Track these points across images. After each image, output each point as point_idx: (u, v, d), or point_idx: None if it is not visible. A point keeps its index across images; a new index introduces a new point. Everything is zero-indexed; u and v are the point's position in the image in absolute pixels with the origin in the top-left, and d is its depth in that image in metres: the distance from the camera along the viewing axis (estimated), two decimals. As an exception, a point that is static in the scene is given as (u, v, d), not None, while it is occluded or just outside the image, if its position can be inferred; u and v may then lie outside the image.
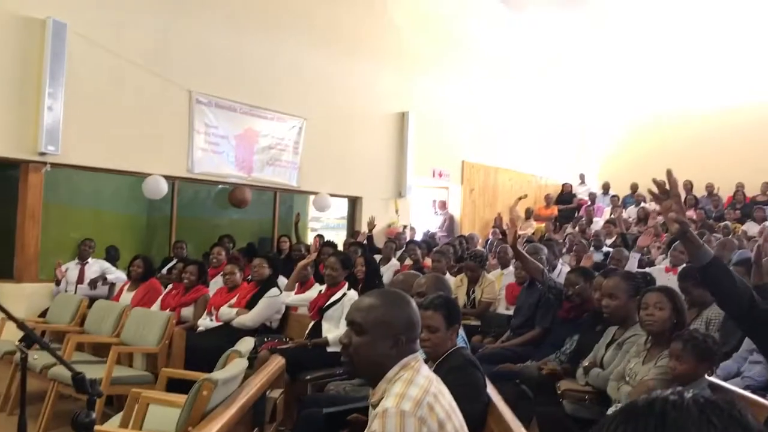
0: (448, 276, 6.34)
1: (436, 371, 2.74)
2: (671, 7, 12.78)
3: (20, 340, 3.87)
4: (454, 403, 2.09)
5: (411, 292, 4.15)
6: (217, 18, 8.75)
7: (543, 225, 12.28)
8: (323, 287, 5.51)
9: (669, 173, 2.47)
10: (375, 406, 2.06)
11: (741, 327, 2.65)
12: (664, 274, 6.13)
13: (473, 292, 6.28)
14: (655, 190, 2.45)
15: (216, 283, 6.69)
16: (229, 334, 5.39)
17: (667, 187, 2.39)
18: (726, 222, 10.00)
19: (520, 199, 12.74)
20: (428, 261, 7.78)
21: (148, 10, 8.06)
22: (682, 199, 9.76)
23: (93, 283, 7.20)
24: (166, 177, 8.14)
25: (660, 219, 10.53)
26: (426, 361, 2.92)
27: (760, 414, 2.74)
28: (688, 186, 12.42)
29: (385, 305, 2.08)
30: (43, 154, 7.08)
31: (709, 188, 12.59)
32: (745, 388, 3.39)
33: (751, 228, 9.87)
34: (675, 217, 2.32)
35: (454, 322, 2.93)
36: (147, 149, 8.05)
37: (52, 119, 7.06)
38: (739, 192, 12.31)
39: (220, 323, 5.70)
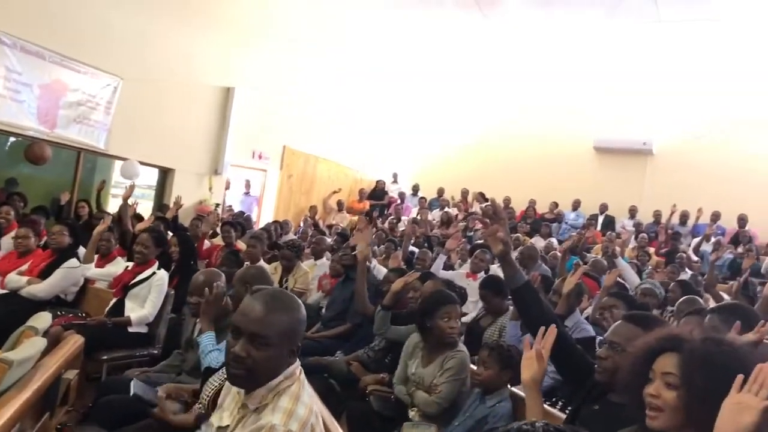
0: (262, 263, 6.29)
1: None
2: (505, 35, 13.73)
3: None
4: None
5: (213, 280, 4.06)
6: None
7: (356, 218, 12.59)
8: (130, 263, 5.21)
9: (494, 201, 2.69)
10: (246, 407, 1.98)
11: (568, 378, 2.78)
12: (465, 279, 6.58)
13: (286, 281, 6.28)
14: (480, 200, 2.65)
15: (6, 245, 6.06)
16: (16, 304, 4.92)
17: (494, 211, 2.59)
18: (518, 234, 10.93)
19: (334, 192, 13.01)
20: (240, 244, 7.65)
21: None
22: (478, 210, 10.40)
23: None
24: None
25: (462, 225, 11.29)
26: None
27: (548, 419, 3.04)
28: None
29: (288, 315, 1.98)
30: None
31: (506, 201, 13.73)
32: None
33: (538, 242, 10.90)
34: (502, 238, 2.51)
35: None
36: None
37: None
38: (531, 208, 13.57)
39: (6, 291, 5.15)
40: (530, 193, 13.68)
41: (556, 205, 13.57)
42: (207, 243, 7.75)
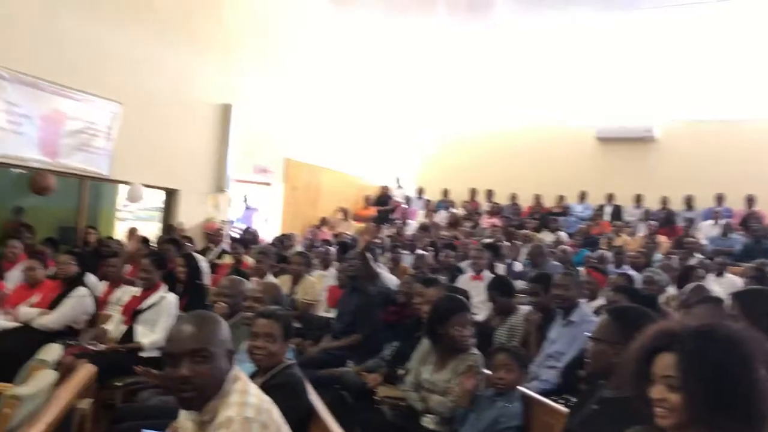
0: (270, 277, 6.32)
1: (264, 384, 2.74)
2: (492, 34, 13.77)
3: None
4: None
5: (241, 297, 4.10)
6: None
7: (363, 225, 12.60)
8: (137, 289, 5.25)
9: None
10: (205, 423, 2.03)
11: None
12: (471, 282, 6.56)
13: (295, 292, 6.30)
14: None
15: (14, 278, 6.11)
16: (29, 336, 4.96)
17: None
18: (526, 231, 10.92)
19: (340, 210, 13.12)
20: (248, 259, 7.69)
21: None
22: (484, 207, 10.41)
23: None
24: (-45, 157, 7.26)
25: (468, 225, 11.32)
26: (255, 374, 2.92)
27: (554, 418, 3.05)
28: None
29: (214, 324, 2.09)
30: None
31: (512, 198, 13.73)
32: (541, 392, 3.75)
33: (547, 236, 10.88)
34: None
35: (289, 335, 2.97)
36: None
37: None
38: (537, 203, 13.55)
39: (19, 324, 5.20)
40: (535, 188, 13.63)
41: (562, 198, 13.53)
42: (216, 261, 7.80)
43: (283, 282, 6.41)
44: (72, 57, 8.52)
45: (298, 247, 9.25)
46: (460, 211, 13.72)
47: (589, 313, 4.40)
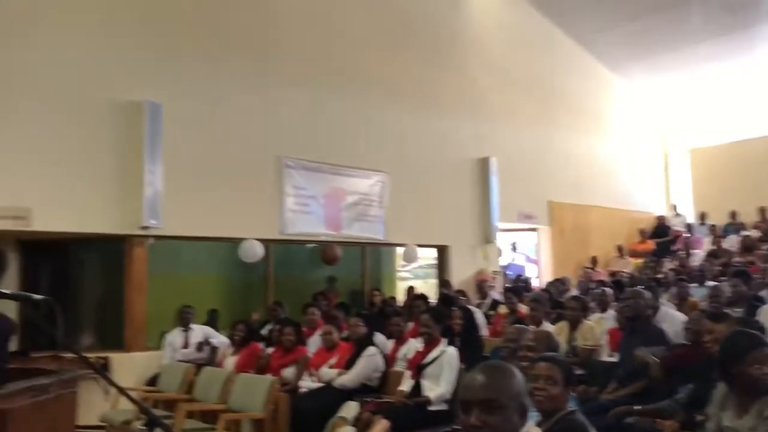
0: (547, 324, 6.22)
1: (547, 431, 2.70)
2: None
3: (145, 425, 4.04)
4: None
5: (518, 344, 4.11)
6: (298, 84, 9.08)
7: (640, 261, 11.87)
8: (420, 344, 5.51)
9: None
10: None
11: None
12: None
13: (574, 339, 6.11)
14: None
15: (315, 342, 6.82)
16: (331, 395, 5.48)
17: None
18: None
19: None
20: (522, 308, 7.65)
21: (233, 86, 8.46)
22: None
23: (200, 346, 7.46)
24: (260, 240, 8.42)
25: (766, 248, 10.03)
26: (539, 423, 2.88)
27: None
28: None
29: (510, 378, 2.05)
30: (145, 227, 7.46)
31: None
32: None
33: None
34: None
35: (570, 381, 2.91)
36: (241, 215, 8.36)
37: (152, 194, 7.46)
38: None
39: (322, 384, 5.78)
40: None
41: None
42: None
43: (560, 328, 6.26)
44: (342, 138, 9.51)
45: (573, 291, 8.98)
46: (753, 233, 12.23)
47: None
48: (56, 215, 6.94)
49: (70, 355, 6.78)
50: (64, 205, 7.00)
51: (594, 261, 12.40)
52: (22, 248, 7.74)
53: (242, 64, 8.62)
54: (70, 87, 7.18)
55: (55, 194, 6.95)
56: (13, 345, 7.34)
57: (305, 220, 9.07)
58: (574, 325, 6.17)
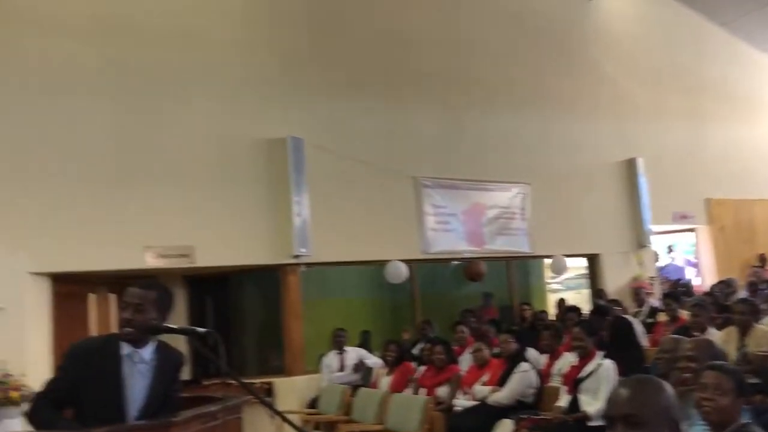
0: (712, 331, 5.80)
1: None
2: None
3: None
4: None
5: (673, 355, 3.88)
6: (430, 104, 9.20)
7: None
8: (574, 357, 5.34)
9: None
10: None
11: None
12: None
13: (745, 345, 5.64)
14: None
15: (466, 360, 6.80)
16: (486, 412, 5.44)
17: None
18: None
19: None
20: (683, 314, 7.19)
21: (368, 113, 8.73)
22: None
23: (356, 368, 7.68)
24: (404, 260, 8.55)
25: None
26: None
27: None
28: None
29: (657, 393, 1.94)
30: (297, 256, 7.82)
31: None
32: None
33: None
34: None
35: (743, 392, 2.70)
36: (384, 238, 8.54)
37: (300, 224, 7.82)
38: None
39: (476, 402, 5.74)
40: None
41: None
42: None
43: (728, 334, 5.80)
44: (477, 153, 9.48)
45: (741, 293, 8.31)
46: None
47: None
48: (216, 251, 7.43)
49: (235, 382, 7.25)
50: (223, 241, 7.48)
51: (762, 259, 11.38)
52: (188, 284, 8.40)
53: (375, 92, 8.86)
54: (219, 131, 7.70)
55: (214, 231, 7.44)
56: (186, 374, 8.00)
57: (447, 238, 9.09)
58: (744, 330, 5.69)
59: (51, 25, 6.99)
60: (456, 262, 9.84)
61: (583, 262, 10.75)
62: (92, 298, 7.31)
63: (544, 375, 6.05)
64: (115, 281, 7.22)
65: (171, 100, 7.48)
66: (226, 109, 7.76)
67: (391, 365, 6.99)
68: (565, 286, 11.71)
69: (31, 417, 2.69)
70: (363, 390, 6.53)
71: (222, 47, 7.92)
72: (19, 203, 6.45)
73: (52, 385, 2.69)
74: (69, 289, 6.89)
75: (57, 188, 6.66)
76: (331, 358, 7.81)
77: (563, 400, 5.19)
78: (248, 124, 7.88)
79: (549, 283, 11.80)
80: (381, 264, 8.58)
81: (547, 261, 10.35)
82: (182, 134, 7.50)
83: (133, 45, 7.36)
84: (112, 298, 7.42)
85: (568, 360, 5.72)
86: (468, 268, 9.33)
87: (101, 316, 7.28)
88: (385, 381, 6.89)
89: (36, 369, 5.60)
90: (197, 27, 7.83)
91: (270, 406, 2.54)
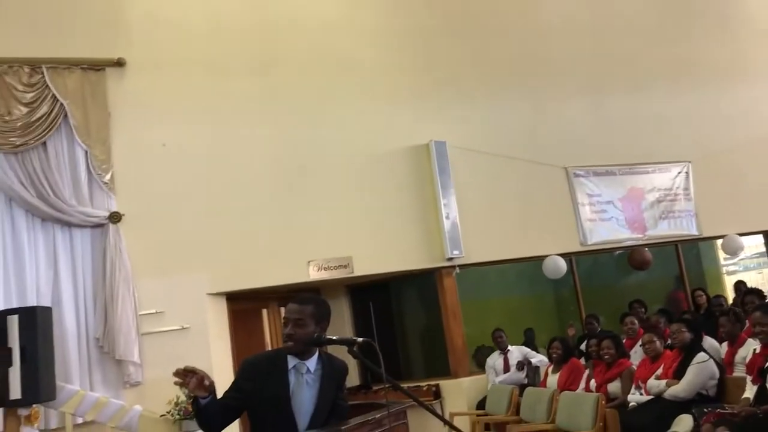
0: None
1: None
2: None
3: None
4: None
5: None
6: (575, 91, 8.93)
7: None
8: (757, 345, 4.92)
9: None
10: None
11: None
12: None
13: None
14: None
15: (637, 353, 6.50)
16: (663, 408, 5.16)
17: None
18: None
19: None
20: None
21: (509, 108, 8.62)
22: None
23: (520, 366, 7.61)
24: (562, 254, 8.32)
25: None
26: None
27: None
28: None
29: None
30: (450, 258, 7.87)
31: None
32: None
33: None
34: None
35: None
36: (538, 232, 8.37)
37: (450, 227, 7.86)
38: None
39: (651, 397, 5.46)
40: None
41: None
42: None
43: None
44: (629, 136, 9.07)
45: None
46: None
47: None
48: (372, 259, 7.66)
49: (405, 384, 7.40)
50: (377, 249, 7.70)
51: None
52: (351, 292, 8.73)
53: (513, 86, 8.75)
54: (368, 143, 7.95)
55: (370, 240, 7.68)
56: (354, 380, 8.31)
57: (605, 227, 8.75)
58: None
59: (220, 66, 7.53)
60: (618, 252, 9.42)
61: (760, 239, 9.88)
62: (265, 313, 7.82)
63: (726, 365, 5.65)
64: (284, 295, 7.65)
65: (324, 122, 7.79)
66: (373, 125, 7.99)
67: (557, 363, 6.85)
68: (742, 267, 10.86)
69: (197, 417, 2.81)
70: (530, 389, 6.44)
71: (367, 66, 8.15)
72: (197, 233, 7.01)
73: (223, 394, 2.87)
74: (243, 306, 7.42)
75: (228, 217, 7.14)
76: (495, 359, 7.79)
77: (749, 391, 4.81)
78: (392, 135, 8.07)
79: (725, 266, 10.96)
80: (538, 260, 8.41)
81: (720, 242, 9.61)
82: (335, 153, 7.77)
83: (295, 75, 7.76)
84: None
85: (751, 347, 5.28)
86: (632, 257, 8.88)
87: (275, 329, 7.76)
88: (553, 379, 6.75)
89: (221, 383, 6.03)
90: (345, 50, 8.10)
91: (432, 411, 2.59)
